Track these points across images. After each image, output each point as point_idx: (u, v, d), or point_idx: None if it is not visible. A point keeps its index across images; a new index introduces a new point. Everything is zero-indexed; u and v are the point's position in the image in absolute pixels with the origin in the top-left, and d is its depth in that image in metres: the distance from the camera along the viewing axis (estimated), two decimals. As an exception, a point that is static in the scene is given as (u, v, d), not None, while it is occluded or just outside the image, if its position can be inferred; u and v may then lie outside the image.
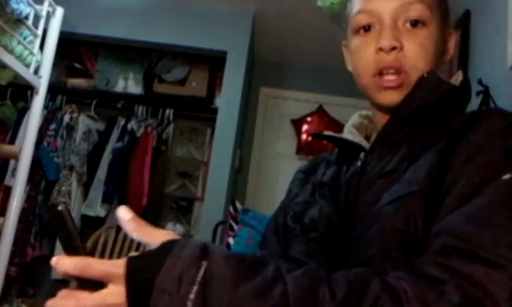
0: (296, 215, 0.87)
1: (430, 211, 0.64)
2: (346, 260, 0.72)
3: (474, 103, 2.05)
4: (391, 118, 0.79)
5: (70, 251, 0.56)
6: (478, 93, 2.04)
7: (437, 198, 0.64)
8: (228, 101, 3.26)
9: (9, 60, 1.86)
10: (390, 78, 0.77)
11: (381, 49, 0.77)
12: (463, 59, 2.27)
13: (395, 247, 0.65)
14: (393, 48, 0.76)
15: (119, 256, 2.76)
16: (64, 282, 3.11)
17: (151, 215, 3.42)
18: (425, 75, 0.76)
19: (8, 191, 2.85)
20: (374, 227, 0.69)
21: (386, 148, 0.79)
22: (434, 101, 0.76)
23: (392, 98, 0.78)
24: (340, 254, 0.74)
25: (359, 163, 0.81)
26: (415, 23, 0.78)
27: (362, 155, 0.82)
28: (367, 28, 0.81)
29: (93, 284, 0.54)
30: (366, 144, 0.84)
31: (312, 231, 0.80)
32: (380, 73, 0.78)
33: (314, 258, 0.77)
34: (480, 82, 2.02)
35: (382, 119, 0.84)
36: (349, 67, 0.90)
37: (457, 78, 0.82)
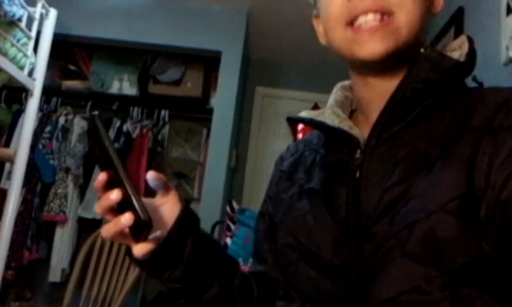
0: (290, 235, 0.73)
1: (468, 226, 0.54)
2: (364, 295, 0.60)
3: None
4: (386, 105, 0.65)
5: (106, 159, 0.62)
6: (472, 90, 2.04)
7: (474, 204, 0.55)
8: (223, 101, 3.25)
9: (3, 63, 1.85)
10: (369, 19, 0.62)
11: None
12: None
13: (425, 282, 0.55)
14: None
15: (116, 260, 2.76)
16: (62, 285, 3.10)
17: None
18: (423, 50, 0.63)
19: (3, 194, 2.84)
20: (397, 260, 0.57)
21: (386, 144, 0.66)
22: (436, 80, 0.63)
23: (373, 47, 0.62)
24: (355, 287, 0.62)
25: (356, 164, 0.68)
26: None
27: (358, 153, 0.68)
28: None
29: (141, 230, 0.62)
30: (357, 133, 0.70)
31: (316, 258, 0.67)
32: (356, 21, 0.64)
33: (327, 293, 0.65)
34: (474, 78, 2.02)
35: (369, 94, 0.71)
36: (321, 39, 0.77)
37: (461, 45, 0.68)
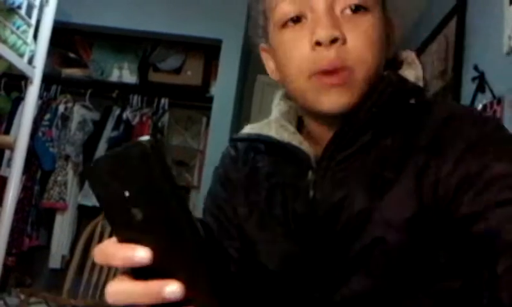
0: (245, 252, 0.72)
1: (422, 250, 0.59)
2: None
3: (470, 89, 2.06)
4: (340, 128, 0.65)
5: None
6: (473, 79, 2.04)
7: (432, 220, 0.59)
8: (223, 89, 3.25)
9: (3, 50, 1.85)
10: (332, 75, 0.62)
11: (318, 43, 0.61)
12: (459, 44, 2.27)
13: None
14: (334, 40, 0.60)
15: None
16: (62, 271, 3.12)
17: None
18: (386, 73, 0.65)
19: (3, 181, 2.84)
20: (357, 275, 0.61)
21: (339, 166, 0.65)
22: (394, 104, 0.64)
23: (335, 100, 0.62)
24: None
25: (310, 189, 0.67)
26: (356, 8, 0.63)
27: (310, 174, 0.67)
28: (295, 19, 0.64)
29: None
30: (307, 148, 0.69)
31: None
32: (322, 74, 0.63)
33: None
34: (476, 67, 2.02)
35: (320, 130, 0.69)
36: (273, 75, 0.75)
37: (410, 63, 0.70)
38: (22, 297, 2.76)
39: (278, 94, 0.79)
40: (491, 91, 1.88)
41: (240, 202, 0.75)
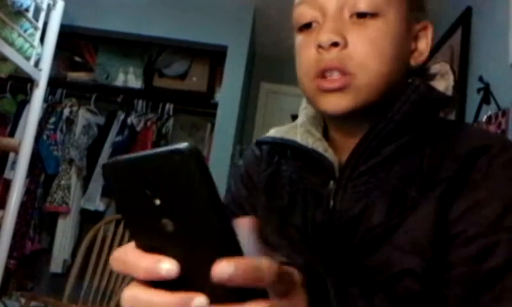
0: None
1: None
2: None
3: (475, 100, 2.05)
4: (365, 138, 0.64)
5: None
6: (478, 90, 2.04)
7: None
8: (228, 96, 3.25)
9: (10, 52, 1.86)
10: (333, 78, 0.63)
11: (320, 46, 0.63)
12: (464, 55, 2.27)
13: None
14: (334, 44, 0.62)
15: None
16: (64, 275, 3.11)
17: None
18: (411, 80, 0.64)
19: (7, 184, 2.85)
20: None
21: (361, 178, 0.65)
22: (420, 113, 0.63)
23: (335, 103, 0.63)
24: None
25: (331, 199, 0.65)
26: (362, 14, 0.63)
27: (332, 184, 0.66)
28: (308, 25, 0.66)
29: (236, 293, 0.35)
30: (331, 156, 0.68)
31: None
32: (322, 75, 0.64)
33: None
34: (481, 79, 2.01)
35: (343, 138, 0.70)
36: None
37: (443, 75, 0.68)
38: (23, 300, 2.75)
39: (305, 99, 0.77)
40: (496, 103, 1.87)
41: (261, 204, 0.74)
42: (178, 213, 0.35)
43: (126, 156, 0.36)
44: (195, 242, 0.35)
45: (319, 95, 0.64)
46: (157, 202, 0.35)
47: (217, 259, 0.34)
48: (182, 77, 3.66)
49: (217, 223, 0.34)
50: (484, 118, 1.89)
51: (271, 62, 3.99)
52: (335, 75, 0.62)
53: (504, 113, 1.77)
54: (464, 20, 2.32)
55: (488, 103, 1.94)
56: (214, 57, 3.57)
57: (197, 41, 3.30)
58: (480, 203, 0.57)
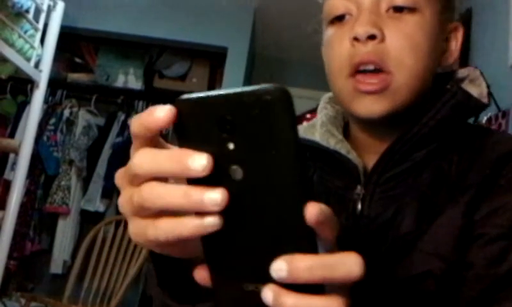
0: None
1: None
2: None
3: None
4: (396, 143, 0.61)
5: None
6: (479, 92, 2.03)
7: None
8: (228, 97, 3.25)
9: (10, 54, 1.86)
10: (369, 80, 0.59)
11: (355, 39, 0.60)
12: (464, 57, 2.27)
13: None
14: (371, 37, 0.59)
15: (118, 253, 2.76)
16: (64, 276, 3.11)
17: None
18: (449, 85, 0.61)
19: (7, 185, 2.85)
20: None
21: (389, 183, 0.62)
22: (456, 119, 0.61)
23: (370, 107, 0.60)
24: None
25: (358, 204, 0.63)
26: (400, 8, 0.60)
27: (359, 189, 0.63)
28: (341, 17, 0.63)
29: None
30: (355, 158, 0.64)
31: None
32: (357, 72, 0.60)
33: None
34: (481, 80, 2.01)
35: (369, 141, 0.67)
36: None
37: (473, 79, 0.65)
38: (23, 301, 2.75)
39: (324, 98, 0.75)
40: (496, 104, 1.87)
41: None
42: (252, 161, 0.31)
43: (201, 93, 0.32)
44: (264, 199, 0.31)
45: (353, 96, 0.61)
46: (231, 146, 0.31)
47: (287, 225, 0.30)
48: (182, 78, 3.67)
49: (296, 186, 0.30)
50: (484, 119, 1.89)
51: (271, 63, 3.99)
52: (370, 76, 0.59)
53: (504, 114, 1.77)
54: (464, 22, 2.32)
55: (488, 104, 1.94)
56: (214, 58, 3.57)
57: (197, 42, 3.30)
58: (505, 206, 0.56)
